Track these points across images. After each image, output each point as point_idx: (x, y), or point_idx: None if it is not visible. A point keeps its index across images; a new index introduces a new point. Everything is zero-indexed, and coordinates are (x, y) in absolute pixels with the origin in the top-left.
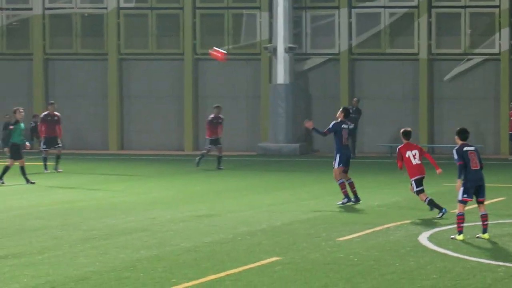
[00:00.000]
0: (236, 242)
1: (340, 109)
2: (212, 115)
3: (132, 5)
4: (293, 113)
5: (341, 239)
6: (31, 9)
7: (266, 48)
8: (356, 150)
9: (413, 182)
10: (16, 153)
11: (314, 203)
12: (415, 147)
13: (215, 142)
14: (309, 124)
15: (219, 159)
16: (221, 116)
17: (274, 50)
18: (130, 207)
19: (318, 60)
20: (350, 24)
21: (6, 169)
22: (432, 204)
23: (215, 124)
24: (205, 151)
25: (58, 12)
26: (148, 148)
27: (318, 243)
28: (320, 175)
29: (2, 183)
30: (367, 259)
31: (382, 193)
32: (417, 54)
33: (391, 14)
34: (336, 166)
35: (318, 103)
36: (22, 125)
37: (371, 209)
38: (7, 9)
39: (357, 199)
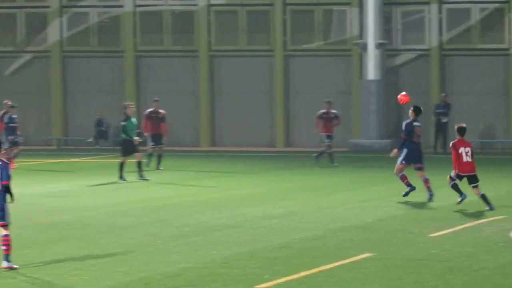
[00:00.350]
0: (328, 238)
1: (411, 108)
2: (322, 110)
3: (222, 1)
4: (384, 109)
5: (433, 235)
6: (122, 6)
7: (356, 44)
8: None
9: (454, 175)
10: (129, 149)
11: (406, 199)
12: (468, 144)
13: (328, 138)
14: (393, 153)
15: (330, 155)
16: (333, 111)
17: (365, 46)
18: (222, 203)
19: (408, 55)
20: (440, 19)
21: (122, 166)
22: (456, 188)
23: (326, 119)
24: (324, 148)
25: (149, 9)
26: (240, 144)
27: (410, 239)
28: (412, 171)
29: (125, 180)
30: (459, 255)
31: (471, 189)
32: (508, 49)
33: (482, 9)
34: (399, 162)
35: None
36: (134, 120)
37: (462, 205)
38: (99, 6)
39: (430, 196)
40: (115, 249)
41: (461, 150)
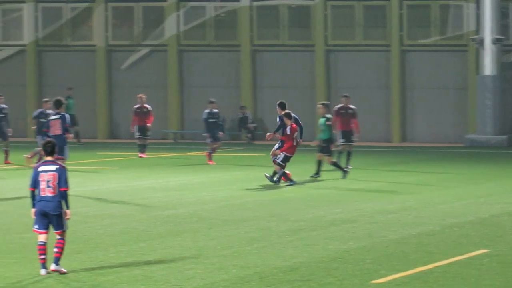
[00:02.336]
0: (444, 234)
1: None
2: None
3: None
4: (501, 104)
5: None
6: (239, 0)
7: (473, 40)
8: None
9: None
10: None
11: None
12: None
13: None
14: None
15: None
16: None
17: (481, 41)
18: (338, 198)
19: None
20: None
21: (320, 164)
22: None
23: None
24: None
25: (265, 4)
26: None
27: None
28: None
29: (318, 176)
30: None
31: None
32: None
33: None
34: None
35: None
36: (322, 119)
37: None
38: (216, 1)
39: None
40: (230, 243)
41: None
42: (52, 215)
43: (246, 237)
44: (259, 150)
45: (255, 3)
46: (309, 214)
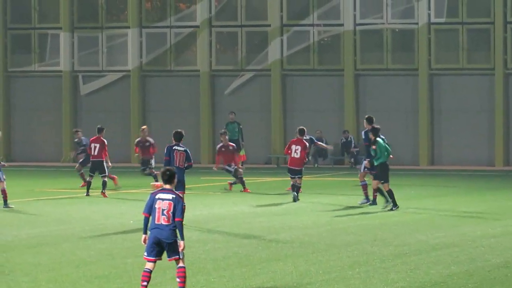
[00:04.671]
0: None
1: None
2: None
3: (443, 20)
4: None
5: None
6: (342, 25)
7: None
8: None
9: None
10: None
11: None
12: None
13: None
14: None
15: None
16: None
17: None
18: (441, 222)
19: None
20: None
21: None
22: None
23: None
24: None
25: (369, 28)
26: (459, 163)
27: None
28: None
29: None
30: None
31: None
32: None
33: None
34: None
35: None
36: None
37: None
38: (319, 25)
39: None
40: (332, 268)
41: None
42: (166, 242)
43: (348, 261)
44: None
45: (359, 27)
46: (411, 238)
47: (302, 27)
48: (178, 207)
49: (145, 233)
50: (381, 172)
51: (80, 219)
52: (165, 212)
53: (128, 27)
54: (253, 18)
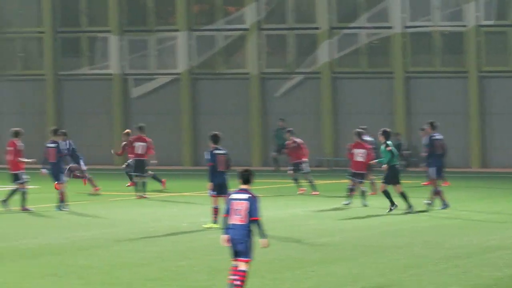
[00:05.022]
0: None
1: None
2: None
3: (491, 22)
4: None
5: None
6: (391, 27)
7: None
8: None
9: None
10: (395, 177)
11: None
12: None
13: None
14: None
15: None
16: None
17: None
18: (492, 225)
19: None
20: None
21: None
22: None
23: None
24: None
25: (418, 30)
26: (510, 165)
27: None
28: None
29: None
30: None
31: None
32: None
33: None
34: None
35: None
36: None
37: None
38: (368, 28)
39: None
40: (385, 270)
41: None
42: (238, 243)
43: (400, 264)
44: (413, 177)
45: (408, 30)
46: (463, 241)
47: (351, 30)
48: (253, 207)
49: (225, 234)
50: (390, 175)
51: (130, 222)
52: (238, 212)
53: (178, 30)
54: (302, 21)
